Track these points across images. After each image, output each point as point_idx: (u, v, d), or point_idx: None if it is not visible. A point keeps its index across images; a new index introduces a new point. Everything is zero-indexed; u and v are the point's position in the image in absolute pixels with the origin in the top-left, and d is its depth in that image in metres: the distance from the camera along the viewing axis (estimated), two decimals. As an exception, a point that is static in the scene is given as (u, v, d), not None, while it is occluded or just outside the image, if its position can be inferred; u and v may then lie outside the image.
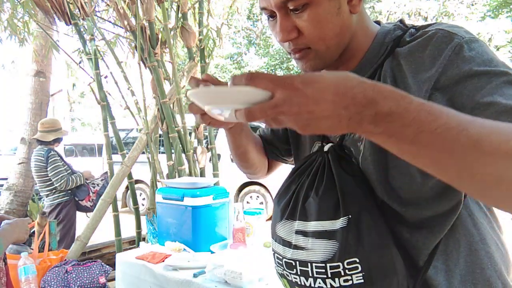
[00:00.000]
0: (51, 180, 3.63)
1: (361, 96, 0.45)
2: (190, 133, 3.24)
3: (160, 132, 3.22)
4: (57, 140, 3.77)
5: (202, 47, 3.31)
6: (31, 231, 3.16)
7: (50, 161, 3.60)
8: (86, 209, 3.78)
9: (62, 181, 3.60)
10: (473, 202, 0.70)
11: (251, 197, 6.56)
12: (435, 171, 0.48)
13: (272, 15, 0.69)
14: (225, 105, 0.50)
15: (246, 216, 2.02)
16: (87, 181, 3.84)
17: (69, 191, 3.69)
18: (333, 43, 0.68)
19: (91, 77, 3.42)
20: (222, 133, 6.54)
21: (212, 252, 1.91)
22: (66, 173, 3.65)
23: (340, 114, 0.46)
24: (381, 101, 0.45)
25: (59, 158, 3.68)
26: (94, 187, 3.82)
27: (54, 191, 3.67)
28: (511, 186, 0.43)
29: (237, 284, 1.50)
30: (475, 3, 11.60)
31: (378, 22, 0.76)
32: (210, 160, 3.26)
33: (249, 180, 6.35)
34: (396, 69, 0.66)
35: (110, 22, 3.91)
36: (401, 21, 0.73)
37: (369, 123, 0.46)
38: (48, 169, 3.60)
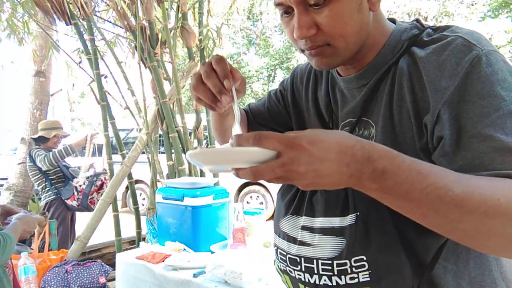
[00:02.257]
0: (40, 179, 3.66)
1: (360, 153, 0.49)
2: (190, 133, 3.24)
3: (160, 132, 3.22)
4: (43, 141, 3.72)
5: (202, 47, 3.31)
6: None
7: (35, 156, 3.60)
8: (73, 209, 3.74)
9: (44, 160, 3.55)
10: None
11: (251, 197, 6.56)
12: (423, 223, 0.53)
13: (287, 11, 0.67)
14: (231, 165, 0.49)
15: (246, 216, 2.02)
16: (75, 177, 3.81)
17: (55, 191, 3.67)
18: (352, 40, 0.66)
19: (91, 77, 3.42)
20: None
21: (212, 252, 1.91)
22: (44, 153, 3.60)
23: (342, 172, 0.49)
24: (377, 158, 0.49)
25: (41, 150, 3.66)
26: (80, 186, 3.80)
27: (42, 190, 3.70)
28: (487, 238, 0.50)
29: (237, 284, 1.50)
30: (475, 3, 11.59)
31: (393, 20, 0.75)
32: (210, 160, 3.25)
33: (249, 180, 6.34)
34: (413, 67, 0.65)
35: (110, 22, 3.92)
36: (418, 20, 0.72)
37: (367, 180, 0.50)
38: (37, 162, 3.59)
